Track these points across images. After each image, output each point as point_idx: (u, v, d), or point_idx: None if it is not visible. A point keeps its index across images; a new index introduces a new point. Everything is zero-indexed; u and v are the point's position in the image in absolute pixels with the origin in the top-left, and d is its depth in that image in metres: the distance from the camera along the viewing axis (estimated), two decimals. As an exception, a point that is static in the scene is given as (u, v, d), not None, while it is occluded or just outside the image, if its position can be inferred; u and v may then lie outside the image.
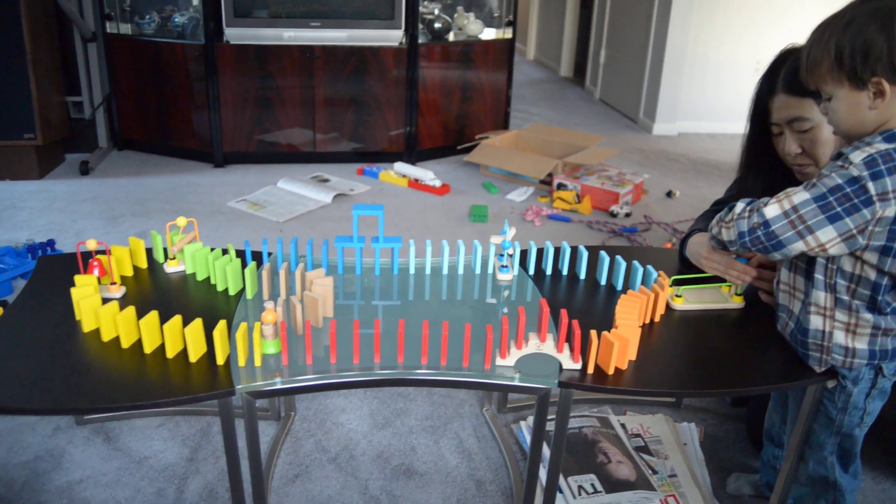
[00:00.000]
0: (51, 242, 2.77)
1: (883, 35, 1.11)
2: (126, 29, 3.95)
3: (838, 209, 1.14)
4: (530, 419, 1.93)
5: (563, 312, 1.31)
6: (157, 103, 3.93)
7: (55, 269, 1.62)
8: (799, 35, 1.45)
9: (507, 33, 4.37)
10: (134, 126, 4.05)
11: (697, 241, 1.66)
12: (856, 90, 1.15)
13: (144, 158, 4.03)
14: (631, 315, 1.37)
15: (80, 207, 3.29)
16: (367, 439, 1.85)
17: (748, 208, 1.25)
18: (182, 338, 1.29)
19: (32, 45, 3.34)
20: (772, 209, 1.20)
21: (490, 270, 1.70)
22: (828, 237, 1.16)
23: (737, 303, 1.58)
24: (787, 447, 1.47)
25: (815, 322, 1.29)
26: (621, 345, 1.28)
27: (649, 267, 1.59)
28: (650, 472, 1.75)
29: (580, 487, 1.69)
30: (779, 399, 1.62)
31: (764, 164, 1.64)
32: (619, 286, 1.63)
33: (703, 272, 1.62)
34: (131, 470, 1.72)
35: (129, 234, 3.01)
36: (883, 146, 1.13)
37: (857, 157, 1.13)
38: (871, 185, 1.11)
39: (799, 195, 1.17)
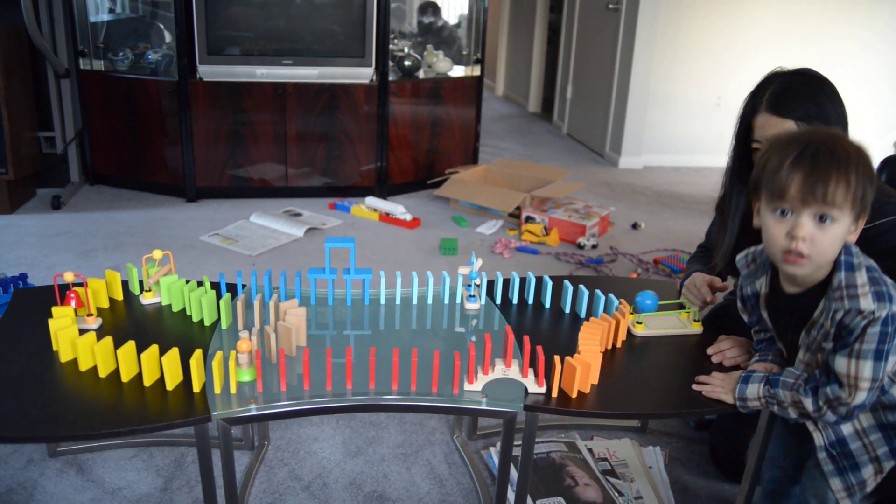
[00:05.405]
0: (23, 276, 2.77)
1: None
2: (99, 65, 3.98)
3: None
4: (500, 444, 1.97)
5: (526, 339, 1.37)
6: (129, 138, 3.96)
7: (31, 301, 1.64)
8: (756, 73, 1.55)
9: (476, 70, 4.48)
10: (106, 161, 4.07)
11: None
12: None
13: (117, 193, 4.04)
14: (593, 341, 1.43)
15: (51, 242, 3.29)
16: (339, 467, 1.88)
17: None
18: (159, 366, 1.33)
19: (5, 81, 3.37)
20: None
21: (458, 300, 1.75)
22: None
23: (695, 328, 1.65)
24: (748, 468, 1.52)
25: None
26: (583, 369, 1.34)
27: (611, 295, 1.65)
28: (617, 494, 1.80)
29: (548, 511, 1.74)
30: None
31: (747, 181, 1.70)
32: (583, 314, 1.69)
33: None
34: (105, 501, 1.72)
35: (101, 268, 3.02)
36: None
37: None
38: None
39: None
